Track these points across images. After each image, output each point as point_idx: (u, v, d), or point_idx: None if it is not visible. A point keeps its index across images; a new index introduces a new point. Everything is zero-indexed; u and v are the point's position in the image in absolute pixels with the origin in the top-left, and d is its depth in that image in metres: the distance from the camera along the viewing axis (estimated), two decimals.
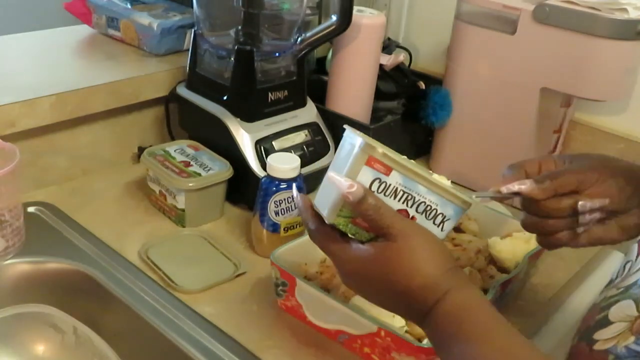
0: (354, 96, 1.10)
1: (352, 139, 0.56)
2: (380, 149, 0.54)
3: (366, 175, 0.54)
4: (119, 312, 0.79)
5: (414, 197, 0.55)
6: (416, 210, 0.55)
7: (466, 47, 1.06)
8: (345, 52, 1.06)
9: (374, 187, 0.54)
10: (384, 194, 0.54)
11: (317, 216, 0.57)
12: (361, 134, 0.55)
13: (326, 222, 0.55)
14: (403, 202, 0.55)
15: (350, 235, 0.55)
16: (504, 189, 0.62)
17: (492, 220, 0.90)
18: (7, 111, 0.88)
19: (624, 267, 0.53)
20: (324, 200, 0.56)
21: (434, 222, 0.56)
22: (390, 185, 0.54)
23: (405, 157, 0.57)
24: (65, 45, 1.15)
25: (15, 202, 0.82)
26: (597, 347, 0.46)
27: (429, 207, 0.55)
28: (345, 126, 0.58)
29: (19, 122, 0.89)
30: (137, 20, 1.11)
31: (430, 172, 0.68)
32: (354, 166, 0.53)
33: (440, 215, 0.56)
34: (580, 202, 0.55)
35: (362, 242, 0.55)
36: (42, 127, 0.93)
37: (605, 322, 0.46)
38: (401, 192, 0.55)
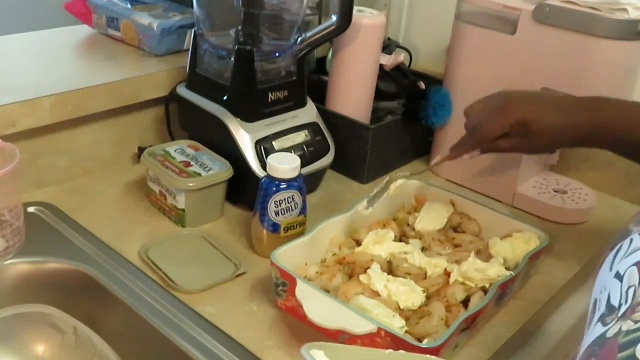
0: (354, 96, 1.10)
1: None
2: None
3: None
4: (119, 312, 0.79)
5: None
6: None
7: (466, 47, 1.06)
8: (345, 52, 1.06)
9: None
10: None
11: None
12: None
13: None
14: None
15: None
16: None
17: (492, 220, 0.90)
18: (7, 111, 0.88)
19: (626, 292, 0.50)
20: None
21: None
22: None
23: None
24: (65, 45, 1.15)
25: (15, 202, 0.82)
26: None
27: None
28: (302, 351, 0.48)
29: (19, 122, 0.89)
30: (137, 20, 1.11)
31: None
32: None
33: None
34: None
35: None
36: (42, 127, 0.93)
37: None
38: None
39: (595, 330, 0.49)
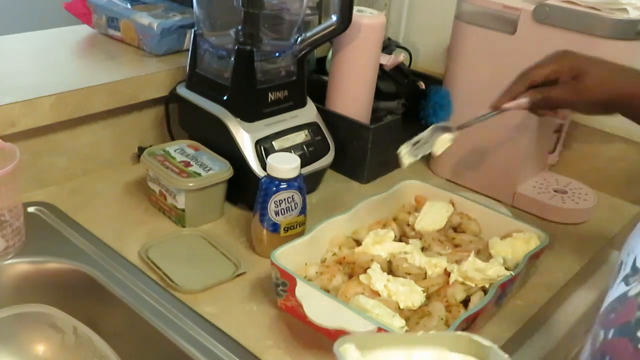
0: (354, 96, 1.10)
1: None
2: None
3: None
4: (119, 312, 0.79)
5: None
6: None
7: (466, 47, 1.06)
8: (345, 52, 1.06)
9: None
10: None
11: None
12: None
13: None
14: None
15: None
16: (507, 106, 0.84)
17: (492, 220, 0.90)
18: (7, 111, 0.88)
19: None
20: None
21: None
22: None
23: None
24: (65, 45, 1.15)
25: (15, 202, 0.82)
26: None
27: None
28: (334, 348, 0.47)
29: (19, 122, 0.89)
30: (137, 20, 1.11)
31: None
32: None
33: None
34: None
35: None
36: (42, 127, 0.93)
37: None
38: None
39: (618, 289, 0.51)
